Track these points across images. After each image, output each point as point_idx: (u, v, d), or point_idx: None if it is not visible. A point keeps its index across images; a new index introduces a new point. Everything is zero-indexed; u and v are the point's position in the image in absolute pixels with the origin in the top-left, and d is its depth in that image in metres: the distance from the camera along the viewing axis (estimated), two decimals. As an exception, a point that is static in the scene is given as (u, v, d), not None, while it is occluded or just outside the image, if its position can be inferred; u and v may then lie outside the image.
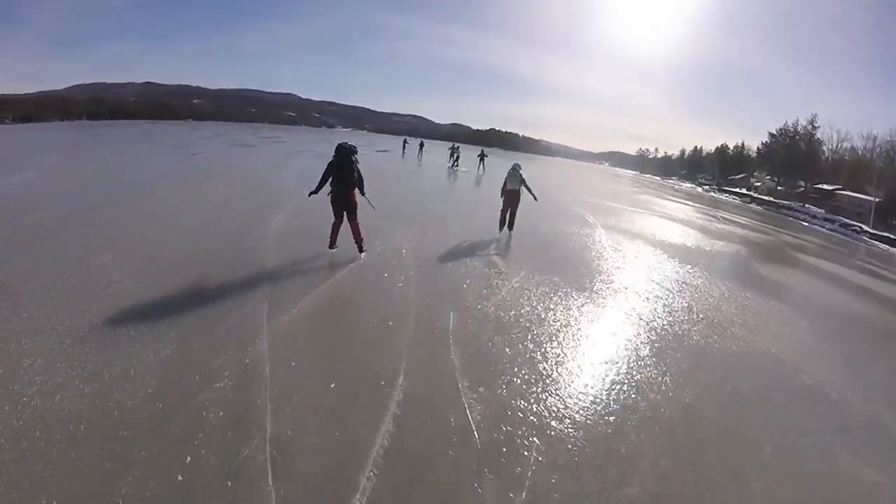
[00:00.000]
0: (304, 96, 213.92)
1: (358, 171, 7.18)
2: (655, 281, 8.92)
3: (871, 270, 16.98)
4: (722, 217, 26.18)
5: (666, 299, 7.81)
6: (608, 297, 7.44)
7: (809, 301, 9.84)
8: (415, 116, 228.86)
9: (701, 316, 7.23)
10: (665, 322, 6.69)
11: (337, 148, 7.11)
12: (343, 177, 7.04)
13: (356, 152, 7.22)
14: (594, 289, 7.76)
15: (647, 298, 7.71)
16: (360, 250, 7.42)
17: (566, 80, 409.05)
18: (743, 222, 26.47)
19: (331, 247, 7.40)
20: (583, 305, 6.87)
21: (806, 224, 43.61)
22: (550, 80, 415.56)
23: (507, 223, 10.52)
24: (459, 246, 9.35)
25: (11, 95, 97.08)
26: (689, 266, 10.72)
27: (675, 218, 20.82)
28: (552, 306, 6.59)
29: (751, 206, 56.41)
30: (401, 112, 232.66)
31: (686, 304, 7.70)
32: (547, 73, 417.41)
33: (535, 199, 10.66)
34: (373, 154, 33.45)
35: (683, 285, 8.91)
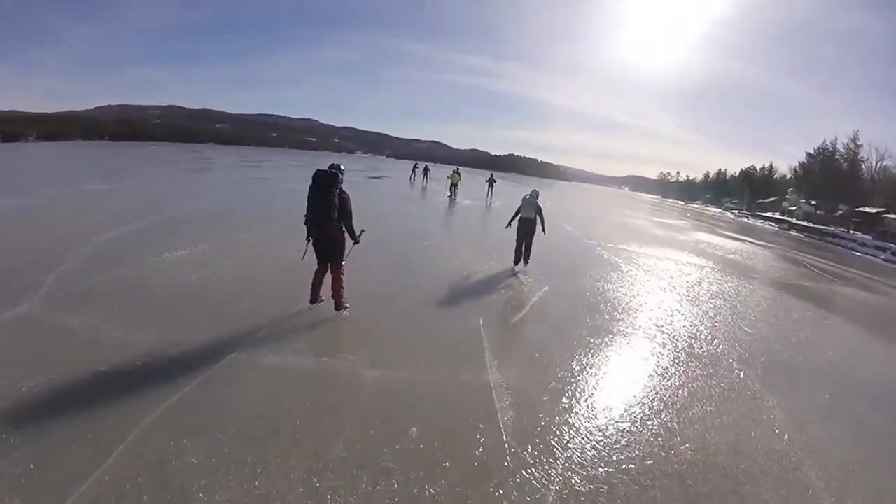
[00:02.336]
0: (324, 122, 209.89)
1: (343, 203, 5.07)
2: None
3: None
4: (815, 268, 18.28)
5: None
6: None
7: None
8: (434, 142, 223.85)
9: None
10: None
11: (315, 174, 5.04)
12: (321, 212, 5.01)
13: (341, 180, 5.07)
14: None
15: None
16: (337, 307, 5.30)
17: (584, 107, 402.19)
18: (830, 268, 18.70)
19: (312, 301, 5.39)
20: None
21: (859, 254, 36.13)
22: (568, 106, 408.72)
23: (522, 256, 8.78)
24: None
25: (38, 114, 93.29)
26: None
27: (777, 282, 13.08)
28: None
29: (790, 233, 48.79)
30: (421, 138, 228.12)
31: None
32: (565, 100, 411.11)
33: (544, 232, 8.90)
34: (363, 182, 26.40)
35: None
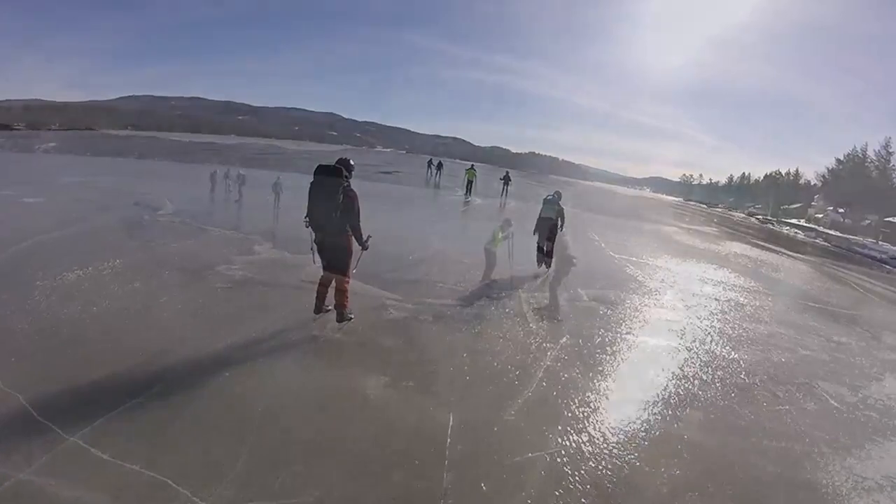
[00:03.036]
0: (346, 116, 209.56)
1: (350, 202, 4.37)
2: None
3: None
4: (862, 289, 15.74)
5: None
6: None
7: None
8: (455, 138, 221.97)
9: None
10: None
11: (317, 169, 4.44)
12: (323, 213, 4.40)
13: (346, 176, 4.39)
14: None
15: None
16: (340, 319, 4.71)
17: (606, 107, 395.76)
18: (879, 289, 16.13)
19: (316, 311, 4.81)
20: None
21: (889, 268, 33.42)
22: (590, 106, 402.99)
23: (543, 259, 8.52)
24: None
25: (61, 103, 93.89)
26: None
27: (836, 314, 11.29)
28: None
29: (816, 241, 45.67)
30: (442, 134, 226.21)
31: None
32: (587, 100, 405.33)
33: (562, 229, 8.64)
34: (369, 178, 24.31)
35: None
